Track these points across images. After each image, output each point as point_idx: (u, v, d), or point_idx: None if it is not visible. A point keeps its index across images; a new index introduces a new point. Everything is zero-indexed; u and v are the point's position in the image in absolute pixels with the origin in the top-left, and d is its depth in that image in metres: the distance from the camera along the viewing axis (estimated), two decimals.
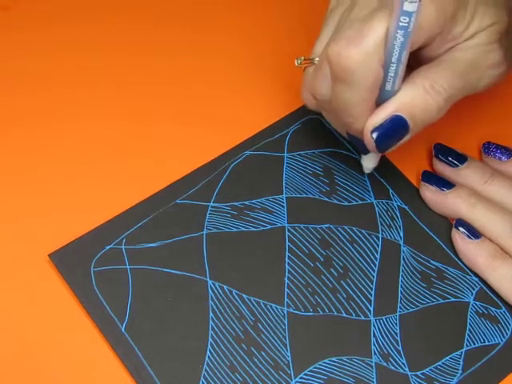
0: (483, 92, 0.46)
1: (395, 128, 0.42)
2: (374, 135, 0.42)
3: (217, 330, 0.44)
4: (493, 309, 0.46)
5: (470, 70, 0.43)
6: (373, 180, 0.49)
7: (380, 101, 0.42)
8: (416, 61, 0.44)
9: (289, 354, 0.44)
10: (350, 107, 0.42)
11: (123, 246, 0.46)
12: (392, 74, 0.41)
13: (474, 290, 0.46)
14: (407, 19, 0.38)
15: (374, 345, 0.44)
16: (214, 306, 0.44)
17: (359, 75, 0.40)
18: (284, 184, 0.49)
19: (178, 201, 0.48)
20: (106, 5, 0.56)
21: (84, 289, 0.44)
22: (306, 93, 0.46)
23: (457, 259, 0.47)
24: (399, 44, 0.40)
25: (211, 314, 0.44)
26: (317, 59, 0.45)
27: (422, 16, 0.40)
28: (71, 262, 0.45)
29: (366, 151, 0.46)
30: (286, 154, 0.50)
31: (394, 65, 0.41)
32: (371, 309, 0.45)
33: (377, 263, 0.47)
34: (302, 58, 0.46)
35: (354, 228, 0.48)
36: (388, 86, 0.42)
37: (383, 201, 0.49)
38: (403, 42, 0.40)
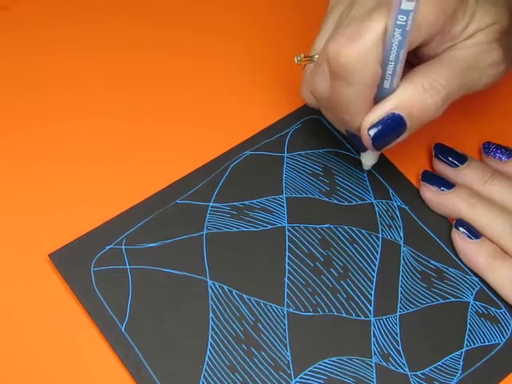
0: (482, 91, 0.46)
1: (392, 126, 0.42)
2: (371, 132, 0.42)
3: (217, 330, 0.44)
4: (493, 309, 0.46)
5: (468, 69, 0.43)
6: (373, 180, 0.50)
7: (379, 98, 0.42)
8: (416, 59, 0.44)
9: (289, 354, 0.44)
10: (348, 104, 0.42)
11: (123, 246, 0.46)
12: (390, 72, 0.41)
13: (474, 290, 0.46)
14: (405, 18, 0.39)
15: (374, 345, 0.44)
16: (214, 306, 0.44)
17: (357, 73, 0.40)
18: (284, 184, 0.49)
19: (178, 201, 0.48)
20: (106, 5, 0.56)
21: (84, 289, 0.44)
22: (305, 90, 0.47)
23: (457, 259, 0.47)
24: (397, 42, 0.40)
25: (211, 314, 0.44)
26: (316, 56, 0.45)
27: (421, 15, 0.40)
28: (71, 262, 0.45)
29: (365, 149, 0.46)
30: (285, 154, 0.50)
31: (392, 63, 0.41)
32: (371, 309, 0.45)
33: (377, 263, 0.47)
34: (302, 55, 0.46)
35: (353, 228, 0.48)
36: (386, 84, 0.42)
37: (383, 201, 0.49)
38: (401, 41, 0.40)
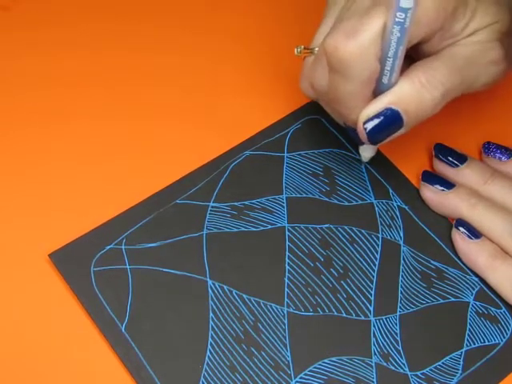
0: (482, 91, 0.46)
1: (388, 121, 0.42)
2: (367, 126, 0.43)
3: (217, 329, 0.44)
4: (493, 309, 0.46)
5: (468, 66, 0.43)
6: (373, 180, 0.49)
7: (377, 93, 0.43)
8: (417, 54, 0.44)
9: (289, 354, 0.44)
10: (346, 99, 0.42)
11: (123, 246, 0.46)
12: (388, 68, 0.42)
13: (473, 289, 0.46)
14: (403, 15, 0.39)
15: (374, 345, 0.44)
16: (214, 306, 0.44)
17: (355, 68, 0.41)
18: (284, 184, 0.49)
19: (178, 201, 0.48)
20: (106, 5, 0.56)
21: (84, 289, 0.44)
22: (304, 82, 0.47)
23: (457, 259, 0.47)
24: (395, 39, 0.40)
25: (211, 314, 0.44)
26: (316, 49, 0.45)
27: (421, 12, 0.40)
28: (71, 262, 0.45)
29: (362, 142, 0.46)
30: (286, 154, 0.50)
31: (391, 59, 0.41)
32: (371, 309, 0.45)
33: (377, 263, 0.47)
34: (302, 46, 0.46)
35: (354, 228, 0.48)
36: (385, 80, 0.42)
37: (383, 201, 0.49)
38: (400, 38, 0.40)
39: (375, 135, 0.43)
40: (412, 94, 0.42)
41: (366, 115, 0.43)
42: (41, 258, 0.45)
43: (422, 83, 0.42)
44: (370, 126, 0.43)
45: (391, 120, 0.42)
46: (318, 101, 0.48)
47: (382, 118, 0.42)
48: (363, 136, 0.43)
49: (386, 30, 0.40)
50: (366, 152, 0.48)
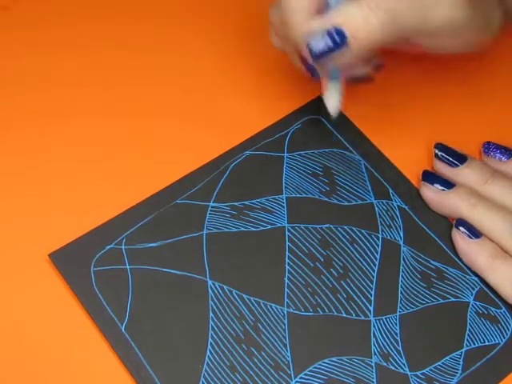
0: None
1: (332, 38, 0.43)
2: (310, 41, 0.43)
3: (217, 329, 0.44)
4: (493, 309, 0.46)
5: None
6: (373, 180, 0.49)
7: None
8: None
9: (289, 354, 0.44)
10: (291, 15, 0.43)
11: (123, 246, 0.46)
12: None
13: (474, 289, 0.46)
14: None
15: (374, 345, 0.44)
16: (214, 306, 0.44)
17: None
18: (284, 184, 0.49)
19: (178, 201, 0.48)
20: (106, 5, 0.56)
21: (84, 289, 0.44)
22: (271, 34, 0.48)
23: (457, 259, 0.47)
24: None
25: (211, 314, 0.44)
26: None
27: None
28: (71, 262, 0.45)
29: (315, 73, 0.46)
30: (285, 154, 0.50)
31: None
32: (371, 309, 0.45)
33: (377, 263, 0.46)
34: None
35: (353, 228, 0.48)
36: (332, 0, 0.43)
37: (383, 201, 0.49)
38: None
39: (318, 52, 0.43)
40: (359, 15, 0.42)
41: (309, 27, 0.43)
42: (41, 258, 0.45)
43: (370, 6, 0.42)
44: (312, 41, 0.43)
45: (335, 38, 0.43)
46: (283, 49, 0.48)
47: (325, 34, 0.43)
48: (306, 51, 0.43)
49: None
50: (331, 98, 0.47)
